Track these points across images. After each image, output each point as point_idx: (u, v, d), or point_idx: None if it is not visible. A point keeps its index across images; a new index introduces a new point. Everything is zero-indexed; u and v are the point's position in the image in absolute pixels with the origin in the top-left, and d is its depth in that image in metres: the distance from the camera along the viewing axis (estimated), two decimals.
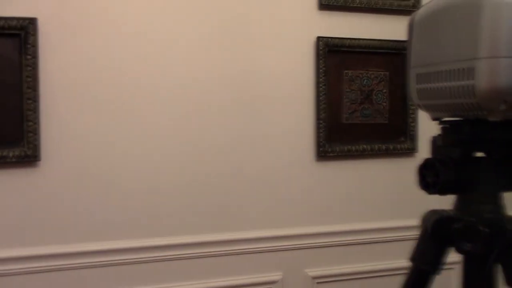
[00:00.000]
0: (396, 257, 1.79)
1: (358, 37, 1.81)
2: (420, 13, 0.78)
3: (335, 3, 1.77)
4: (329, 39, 1.77)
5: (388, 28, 1.84)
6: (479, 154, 0.77)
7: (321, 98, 1.77)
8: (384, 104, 1.86)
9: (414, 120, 1.87)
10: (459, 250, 0.75)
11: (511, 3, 0.63)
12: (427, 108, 0.78)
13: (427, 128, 0.73)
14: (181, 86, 1.65)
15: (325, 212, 1.83)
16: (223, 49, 1.68)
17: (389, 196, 1.89)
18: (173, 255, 1.66)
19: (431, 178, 0.75)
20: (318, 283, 1.83)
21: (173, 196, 1.66)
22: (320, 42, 1.75)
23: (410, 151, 1.88)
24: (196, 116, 1.67)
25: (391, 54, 1.83)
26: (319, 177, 1.82)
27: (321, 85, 1.76)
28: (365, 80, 1.83)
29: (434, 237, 0.77)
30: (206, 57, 1.67)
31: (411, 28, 0.79)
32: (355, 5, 1.79)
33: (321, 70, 1.76)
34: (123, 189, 1.61)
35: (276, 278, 1.78)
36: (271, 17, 1.73)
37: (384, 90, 1.85)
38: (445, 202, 0.81)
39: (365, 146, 1.84)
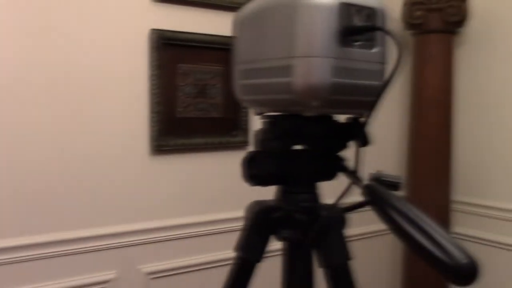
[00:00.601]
0: (227, 248, 1.85)
1: (192, 31, 1.81)
2: (243, 11, 0.80)
3: None
4: (163, 32, 1.75)
5: (222, 24, 1.88)
6: (298, 147, 0.81)
7: (154, 92, 1.74)
8: (218, 98, 1.90)
9: (246, 114, 1.94)
10: (279, 238, 0.79)
11: (323, 5, 0.68)
12: (250, 103, 0.81)
13: (258, 122, 0.77)
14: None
15: (159, 207, 1.82)
16: (46, 38, 1.57)
17: (223, 189, 1.94)
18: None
19: (253, 170, 0.78)
20: (152, 278, 1.81)
21: None
22: (154, 35, 1.73)
23: (243, 144, 1.95)
24: (17, 110, 1.53)
25: (225, 50, 1.87)
26: (154, 172, 1.80)
27: (154, 78, 1.74)
28: (199, 75, 1.85)
29: (257, 227, 0.80)
30: (25, 46, 1.54)
31: (235, 25, 0.81)
32: None
33: (154, 64, 1.73)
34: None
35: (110, 277, 1.73)
36: (103, 6, 1.66)
37: (218, 85, 1.89)
38: (271, 194, 0.85)
39: (199, 140, 1.86)
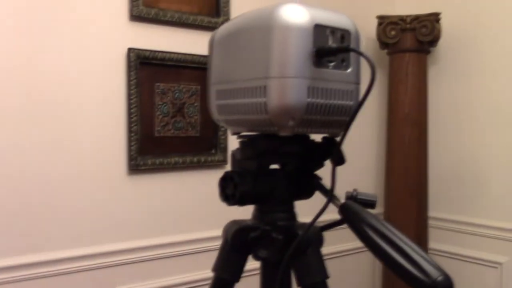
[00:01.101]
0: (205, 268, 1.84)
1: (170, 51, 1.82)
2: (219, 31, 0.81)
3: (146, 16, 1.76)
4: (141, 51, 1.75)
5: (200, 43, 1.89)
6: (274, 166, 0.82)
7: (132, 110, 1.74)
8: (196, 117, 1.90)
9: (224, 133, 1.94)
10: (256, 257, 0.79)
11: (298, 27, 0.69)
12: (226, 123, 0.81)
13: (236, 141, 0.77)
14: None
15: (137, 227, 1.80)
16: (23, 58, 1.56)
17: (201, 208, 1.93)
18: None
19: (230, 190, 0.78)
20: None
21: None
22: (132, 54, 1.73)
23: (220, 163, 1.95)
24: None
25: (202, 69, 1.88)
26: (131, 191, 1.78)
27: (132, 97, 1.73)
28: (177, 93, 1.85)
29: (234, 247, 0.80)
30: (1, 67, 1.53)
31: (211, 45, 0.82)
32: (166, 18, 1.80)
33: (132, 82, 1.73)
34: None
35: None
36: (81, 25, 1.65)
37: (196, 104, 1.89)
38: (249, 213, 0.85)
39: (177, 159, 1.85)
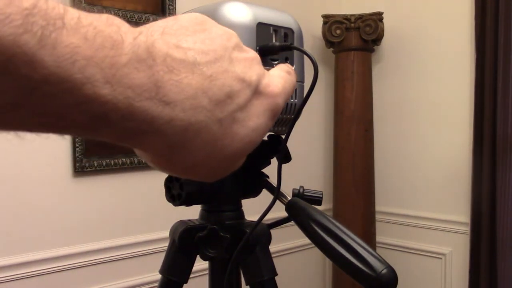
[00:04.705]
0: (153, 270, 1.81)
1: None
2: None
3: None
4: None
5: None
6: None
7: None
8: None
9: None
10: (203, 257, 0.78)
11: (241, 25, 0.69)
12: None
13: None
14: None
15: (83, 230, 1.76)
16: None
17: (149, 209, 1.90)
18: None
19: (176, 191, 0.77)
20: None
21: None
22: None
23: None
24: None
25: None
26: (77, 193, 1.74)
27: None
28: None
29: (181, 247, 0.79)
30: None
31: None
32: None
33: None
34: None
35: None
36: None
37: None
38: (197, 213, 0.85)
39: (124, 160, 1.82)
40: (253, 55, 0.39)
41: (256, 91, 0.35)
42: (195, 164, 0.35)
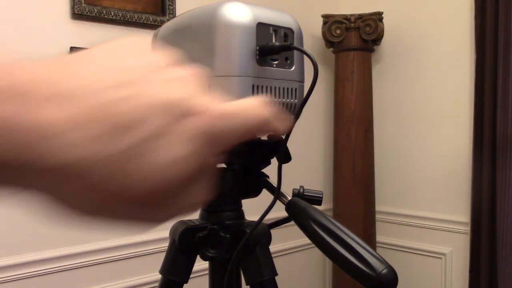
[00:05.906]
0: (153, 270, 1.81)
1: None
2: (162, 30, 0.79)
3: (89, 14, 1.72)
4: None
5: None
6: (221, 165, 0.82)
7: None
8: None
9: None
10: (203, 257, 0.78)
11: (242, 25, 0.69)
12: None
13: None
14: None
15: (82, 231, 1.76)
16: None
17: None
18: None
19: None
20: None
21: None
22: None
23: None
24: None
25: None
26: None
27: None
28: None
29: (181, 248, 0.79)
30: None
31: (154, 44, 0.81)
32: (110, 17, 1.76)
33: None
34: None
35: None
36: (21, 23, 1.59)
37: None
38: (196, 213, 0.85)
39: None
40: (184, 74, 0.34)
41: (182, 113, 0.30)
42: (100, 208, 0.31)
